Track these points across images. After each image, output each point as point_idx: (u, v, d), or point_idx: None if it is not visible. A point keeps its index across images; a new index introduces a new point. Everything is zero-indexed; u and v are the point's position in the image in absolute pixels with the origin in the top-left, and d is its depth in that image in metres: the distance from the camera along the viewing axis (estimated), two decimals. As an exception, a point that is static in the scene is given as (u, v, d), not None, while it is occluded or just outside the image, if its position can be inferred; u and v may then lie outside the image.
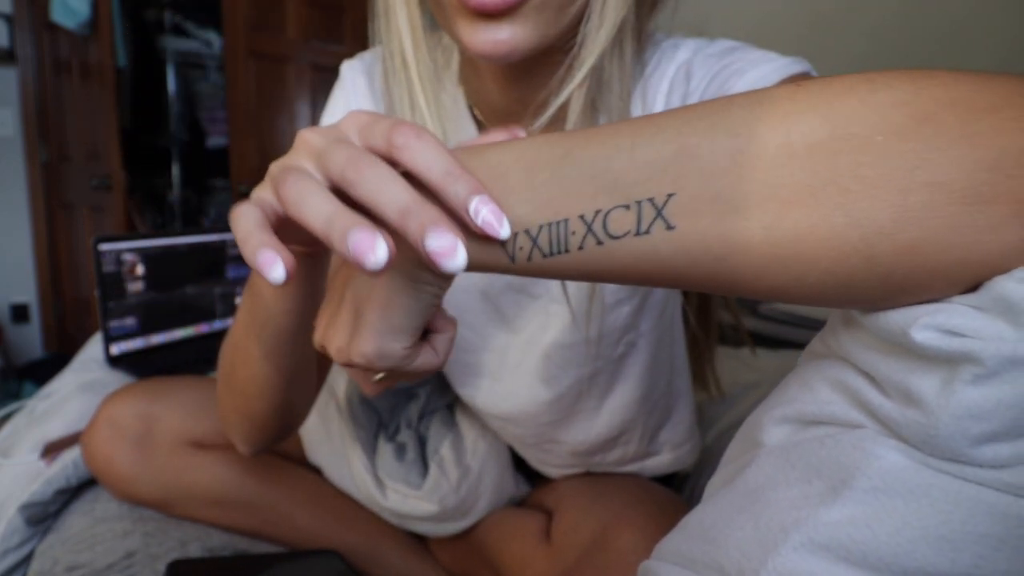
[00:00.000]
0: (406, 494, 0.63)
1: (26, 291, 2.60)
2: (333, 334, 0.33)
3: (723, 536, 0.29)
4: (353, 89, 0.57)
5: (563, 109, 0.44)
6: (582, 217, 0.25)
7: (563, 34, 0.41)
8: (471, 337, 0.58)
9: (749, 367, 1.01)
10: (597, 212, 0.25)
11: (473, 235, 0.27)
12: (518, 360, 0.57)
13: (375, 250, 0.24)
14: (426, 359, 0.34)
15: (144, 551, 0.63)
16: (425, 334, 0.35)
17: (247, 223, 0.27)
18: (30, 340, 2.63)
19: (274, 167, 0.30)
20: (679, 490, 0.74)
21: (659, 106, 0.48)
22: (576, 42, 0.41)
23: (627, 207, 0.24)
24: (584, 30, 0.40)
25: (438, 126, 0.47)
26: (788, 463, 0.28)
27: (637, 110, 0.49)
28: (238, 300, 1.24)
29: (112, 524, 0.67)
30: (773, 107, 0.23)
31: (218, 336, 1.20)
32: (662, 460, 0.64)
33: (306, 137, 0.29)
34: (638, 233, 0.25)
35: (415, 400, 0.68)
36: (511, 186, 0.26)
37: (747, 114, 0.24)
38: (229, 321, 1.23)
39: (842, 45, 1.47)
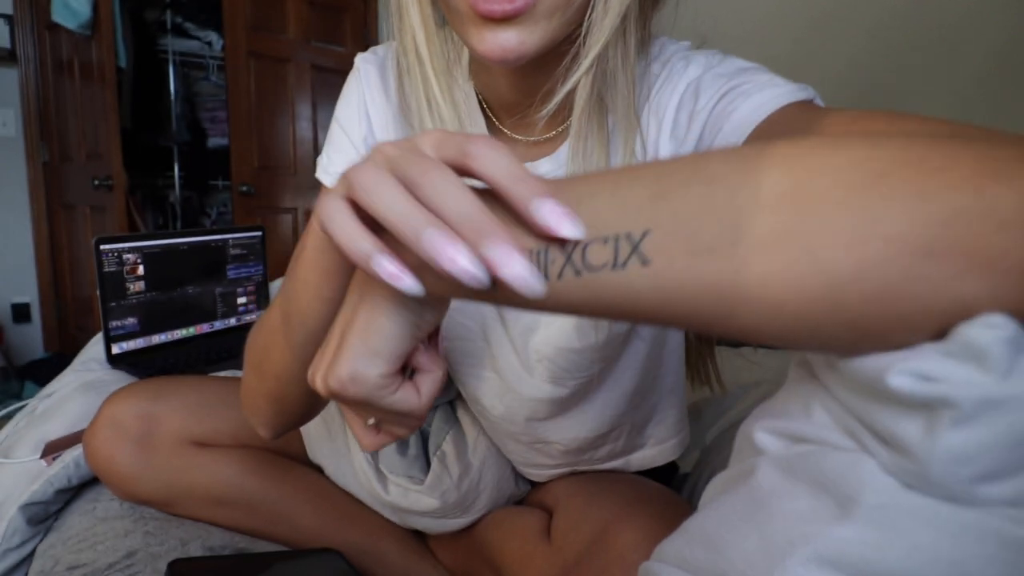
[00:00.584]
0: (408, 488, 0.63)
1: (27, 291, 2.61)
2: (318, 363, 0.33)
3: (726, 544, 0.28)
4: (366, 81, 0.57)
5: (569, 100, 0.44)
6: (562, 247, 0.26)
7: (568, 27, 0.41)
8: (476, 334, 0.58)
9: (750, 366, 1.01)
10: (576, 243, 0.26)
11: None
12: (524, 362, 0.57)
13: (456, 254, 0.24)
14: (405, 397, 0.33)
15: (145, 550, 0.63)
16: (413, 374, 0.34)
17: (346, 228, 0.27)
18: (31, 340, 2.63)
19: (347, 171, 0.29)
20: (679, 490, 0.74)
21: (669, 120, 0.48)
22: (580, 32, 0.41)
23: (605, 241, 0.25)
24: (589, 20, 0.41)
25: (455, 118, 0.48)
26: (793, 474, 0.27)
27: (651, 124, 0.49)
28: (239, 300, 1.24)
29: (113, 523, 0.68)
30: (745, 162, 0.25)
31: (219, 335, 1.21)
32: (646, 454, 0.65)
33: (382, 148, 0.29)
34: (615, 266, 0.25)
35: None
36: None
37: (721, 167, 0.25)
38: (230, 321, 1.23)
39: (841, 44, 1.47)
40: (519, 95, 0.49)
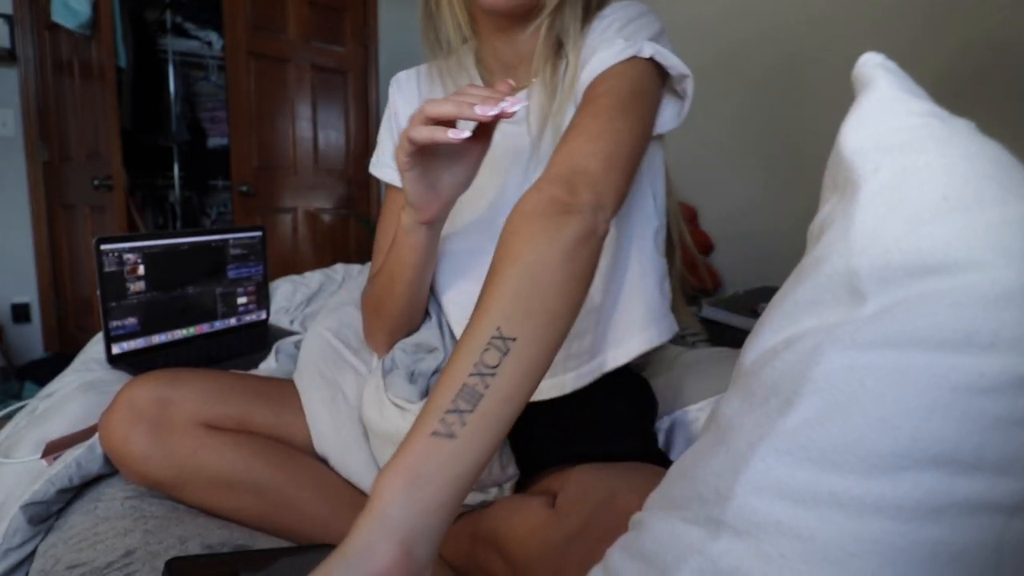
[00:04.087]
0: (404, 408, 0.66)
1: (27, 291, 2.61)
2: None
3: (699, 469, 0.32)
4: (398, 88, 0.81)
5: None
6: (471, 373, 0.42)
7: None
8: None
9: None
10: (476, 363, 0.43)
11: None
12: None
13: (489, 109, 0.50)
14: None
15: (144, 548, 0.64)
16: None
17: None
18: (31, 340, 2.63)
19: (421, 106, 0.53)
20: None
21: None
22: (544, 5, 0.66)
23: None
24: None
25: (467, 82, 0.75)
26: (749, 392, 0.31)
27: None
28: (239, 300, 1.25)
29: (114, 523, 0.68)
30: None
31: (219, 336, 1.21)
32: (618, 352, 0.70)
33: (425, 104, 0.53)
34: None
35: (433, 354, 0.72)
36: None
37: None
38: (230, 321, 1.23)
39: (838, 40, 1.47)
40: (509, 56, 0.72)
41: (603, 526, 0.52)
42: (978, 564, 0.25)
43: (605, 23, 0.67)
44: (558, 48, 0.68)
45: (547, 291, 0.45)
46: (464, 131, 0.51)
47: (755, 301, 1.43)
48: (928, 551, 0.25)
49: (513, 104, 0.50)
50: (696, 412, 0.89)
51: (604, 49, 0.63)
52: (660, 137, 0.73)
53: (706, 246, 1.93)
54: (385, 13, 3.00)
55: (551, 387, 0.69)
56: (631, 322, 0.70)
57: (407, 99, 0.80)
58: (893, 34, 1.35)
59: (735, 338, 1.29)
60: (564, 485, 0.63)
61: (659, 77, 0.65)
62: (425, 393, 0.68)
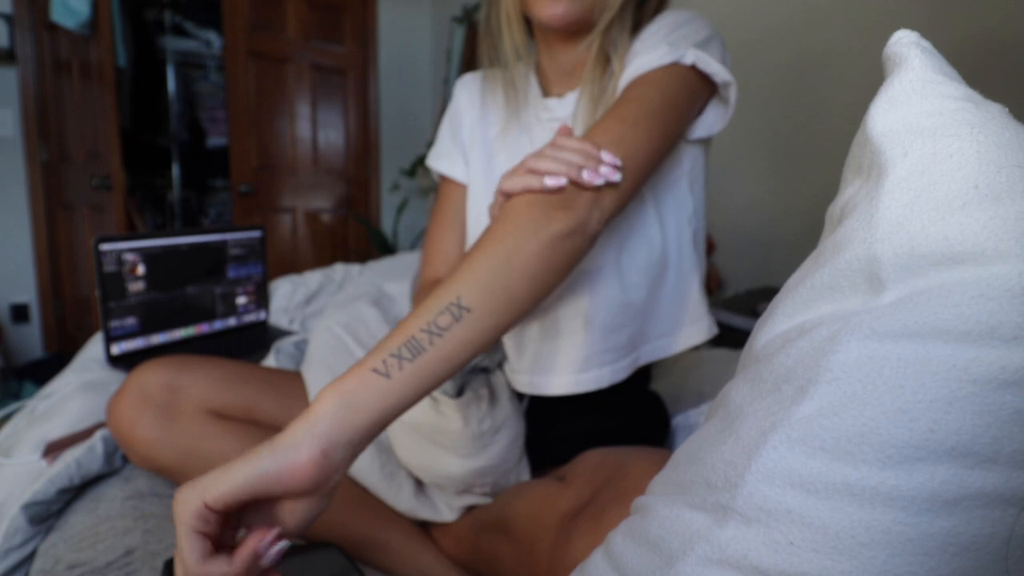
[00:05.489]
0: (440, 400, 0.65)
1: (26, 291, 2.61)
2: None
3: (708, 454, 0.31)
4: (464, 89, 0.84)
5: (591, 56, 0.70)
6: (422, 328, 0.45)
7: (593, 5, 0.66)
8: None
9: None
10: (429, 322, 0.45)
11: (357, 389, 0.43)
12: None
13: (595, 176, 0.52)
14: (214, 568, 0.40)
15: (143, 548, 0.64)
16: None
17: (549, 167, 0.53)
18: (30, 340, 2.63)
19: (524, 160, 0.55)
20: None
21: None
22: (597, 20, 0.68)
23: (442, 312, 0.46)
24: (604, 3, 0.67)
25: (526, 91, 0.77)
26: (760, 379, 0.31)
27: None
28: (239, 300, 1.25)
29: (114, 522, 0.68)
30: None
31: (219, 336, 1.21)
32: (654, 346, 0.72)
33: (526, 159, 0.55)
34: (456, 320, 0.45)
35: None
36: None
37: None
38: (230, 321, 1.23)
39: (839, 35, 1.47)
40: (565, 59, 0.74)
41: (613, 491, 0.53)
42: (988, 556, 0.25)
43: (652, 29, 0.68)
44: (607, 61, 0.70)
45: (517, 275, 0.48)
46: (562, 179, 0.51)
47: (755, 301, 1.43)
48: (939, 543, 0.25)
49: (613, 173, 0.53)
50: (696, 416, 0.89)
51: (647, 53, 0.63)
52: (704, 142, 0.73)
53: (707, 246, 1.93)
54: (385, 13, 3.00)
55: (589, 380, 0.69)
56: (670, 320, 0.71)
57: (471, 100, 0.83)
58: (892, 34, 1.35)
59: (735, 338, 1.29)
60: (573, 463, 0.65)
61: (703, 84, 0.65)
62: (461, 388, 0.68)
